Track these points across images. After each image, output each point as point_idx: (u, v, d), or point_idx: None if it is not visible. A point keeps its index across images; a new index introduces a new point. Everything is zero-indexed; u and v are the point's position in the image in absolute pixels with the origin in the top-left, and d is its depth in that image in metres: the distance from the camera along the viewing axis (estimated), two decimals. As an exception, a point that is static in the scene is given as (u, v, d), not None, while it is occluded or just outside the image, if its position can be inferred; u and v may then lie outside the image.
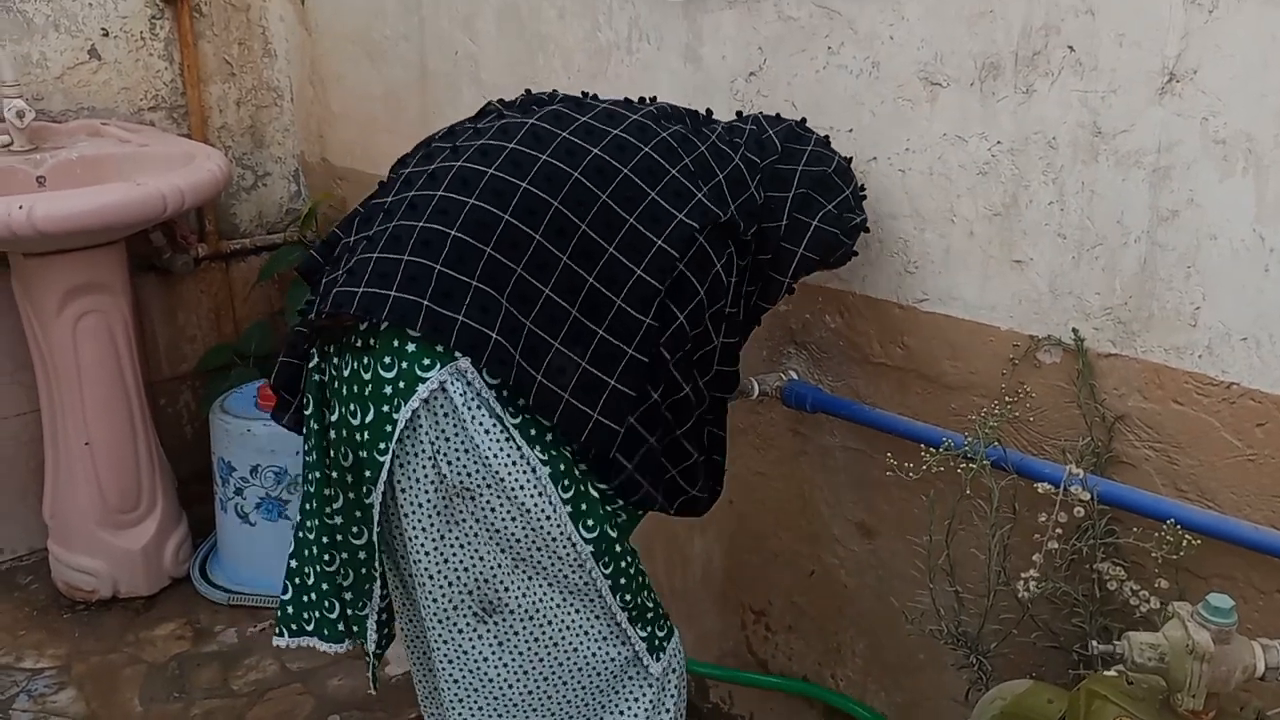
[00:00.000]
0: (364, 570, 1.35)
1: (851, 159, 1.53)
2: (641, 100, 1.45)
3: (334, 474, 1.32)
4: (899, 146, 1.53)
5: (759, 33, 1.67)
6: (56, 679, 2.29)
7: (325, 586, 1.38)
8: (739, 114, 1.55)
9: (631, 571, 1.34)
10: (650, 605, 1.38)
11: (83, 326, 2.34)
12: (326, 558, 1.37)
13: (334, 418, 1.28)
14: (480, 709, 1.35)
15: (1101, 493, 1.33)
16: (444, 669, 1.34)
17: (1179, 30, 1.23)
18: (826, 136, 1.53)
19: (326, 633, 1.40)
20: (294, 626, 1.42)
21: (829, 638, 1.86)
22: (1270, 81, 1.17)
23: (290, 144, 2.93)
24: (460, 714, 1.36)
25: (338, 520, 1.34)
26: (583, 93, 1.43)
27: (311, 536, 1.38)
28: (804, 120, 1.55)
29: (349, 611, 1.38)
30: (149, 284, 2.72)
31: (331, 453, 1.31)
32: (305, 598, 1.40)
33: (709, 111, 1.49)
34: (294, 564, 1.40)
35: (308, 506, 1.37)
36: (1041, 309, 1.42)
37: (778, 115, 1.54)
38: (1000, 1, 1.37)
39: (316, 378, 1.31)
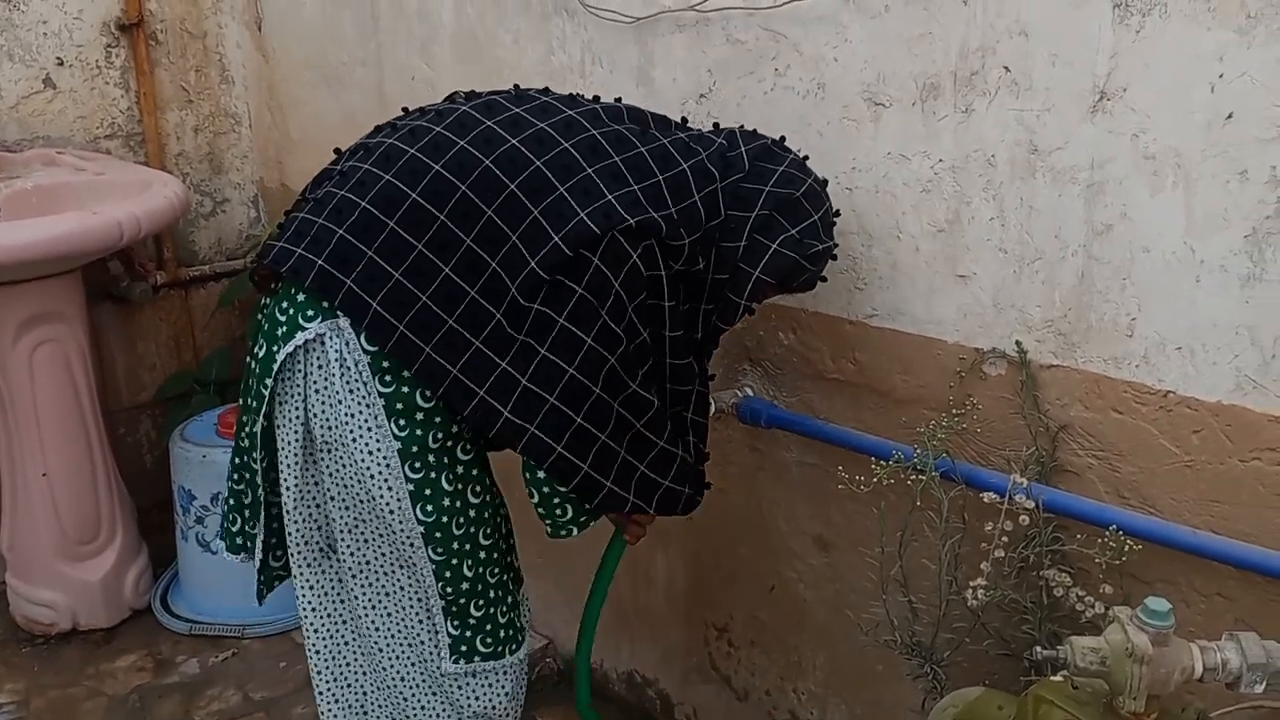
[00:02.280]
0: (258, 493, 1.48)
1: (827, 181, 1.49)
2: (595, 98, 1.47)
3: (248, 401, 1.45)
4: (846, 165, 1.56)
5: (708, 55, 1.70)
6: (15, 714, 2.25)
7: (232, 501, 1.54)
8: (715, 125, 1.51)
9: (474, 571, 1.41)
10: (480, 615, 1.44)
11: (39, 356, 2.32)
12: (235, 476, 1.52)
13: (255, 349, 1.42)
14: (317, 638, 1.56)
15: (1046, 501, 1.36)
16: (298, 593, 1.52)
17: (1108, 50, 1.27)
18: (806, 156, 1.50)
19: (225, 542, 1.56)
20: (220, 529, 1.59)
21: (790, 651, 1.87)
22: (1196, 98, 1.21)
23: (249, 170, 2.93)
24: (310, 635, 1.55)
25: (245, 444, 1.47)
26: (581, 94, 1.48)
27: (229, 456, 1.54)
28: (783, 139, 1.49)
29: (247, 528, 1.53)
30: (107, 312, 2.70)
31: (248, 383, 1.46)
32: (223, 507, 1.58)
33: (684, 119, 1.50)
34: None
35: (237, 429, 1.53)
36: (985, 322, 1.45)
37: (754, 131, 1.50)
38: (938, 23, 1.41)
39: (258, 316, 1.44)
